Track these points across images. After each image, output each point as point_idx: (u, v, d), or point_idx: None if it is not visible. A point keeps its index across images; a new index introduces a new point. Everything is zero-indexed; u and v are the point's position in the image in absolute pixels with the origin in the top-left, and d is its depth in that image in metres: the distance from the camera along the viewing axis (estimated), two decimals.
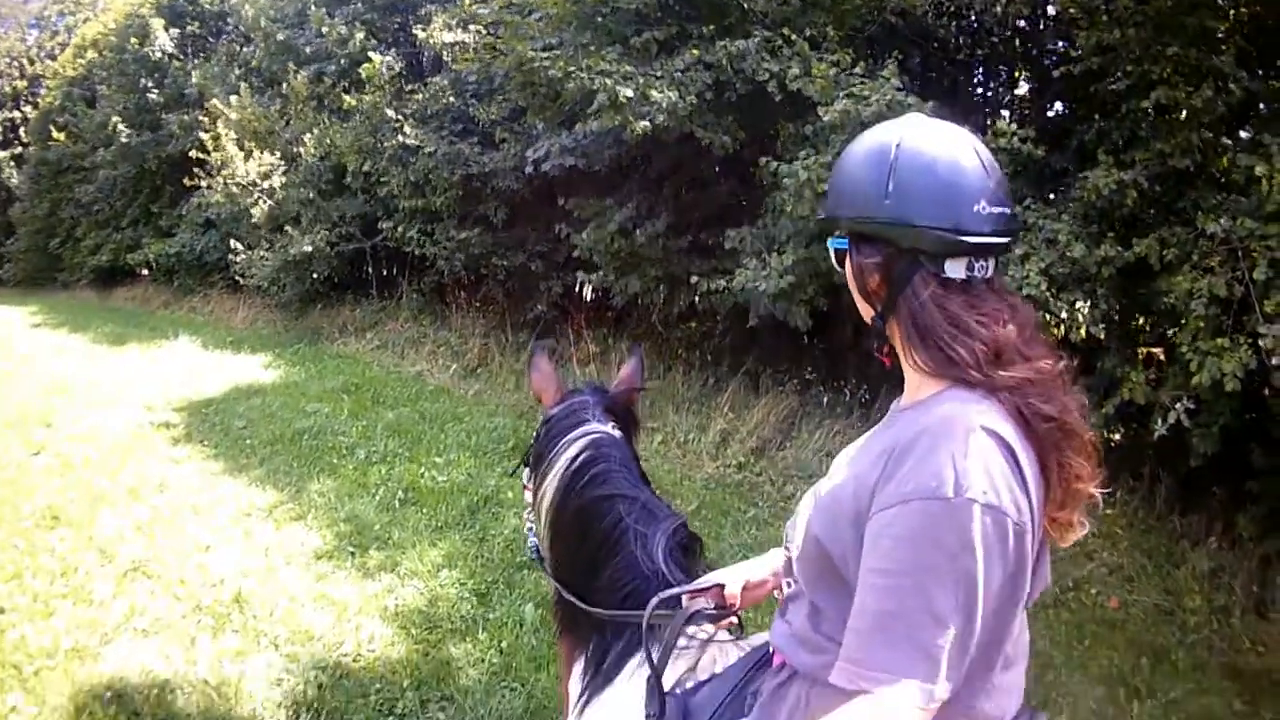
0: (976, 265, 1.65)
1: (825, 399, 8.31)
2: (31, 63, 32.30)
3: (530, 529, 2.87)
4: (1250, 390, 5.13)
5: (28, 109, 29.57)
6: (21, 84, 31.63)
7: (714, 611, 2.20)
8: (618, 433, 2.72)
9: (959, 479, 1.47)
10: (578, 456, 2.63)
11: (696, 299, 8.79)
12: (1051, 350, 1.68)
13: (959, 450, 1.50)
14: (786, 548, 1.92)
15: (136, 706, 4.14)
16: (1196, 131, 5.56)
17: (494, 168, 10.82)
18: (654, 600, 2.19)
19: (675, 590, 2.23)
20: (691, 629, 2.23)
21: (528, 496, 2.86)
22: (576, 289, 11.10)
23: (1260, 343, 4.87)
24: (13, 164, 29.33)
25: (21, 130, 28.78)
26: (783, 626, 1.86)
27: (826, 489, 1.76)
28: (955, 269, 1.65)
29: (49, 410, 9.39)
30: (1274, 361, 4.78)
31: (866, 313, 1.78)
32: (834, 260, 1.82)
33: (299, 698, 4.30)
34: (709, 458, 7.86)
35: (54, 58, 28.97)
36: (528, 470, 2.87)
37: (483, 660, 4.67)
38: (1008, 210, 1.65)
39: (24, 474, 7.28)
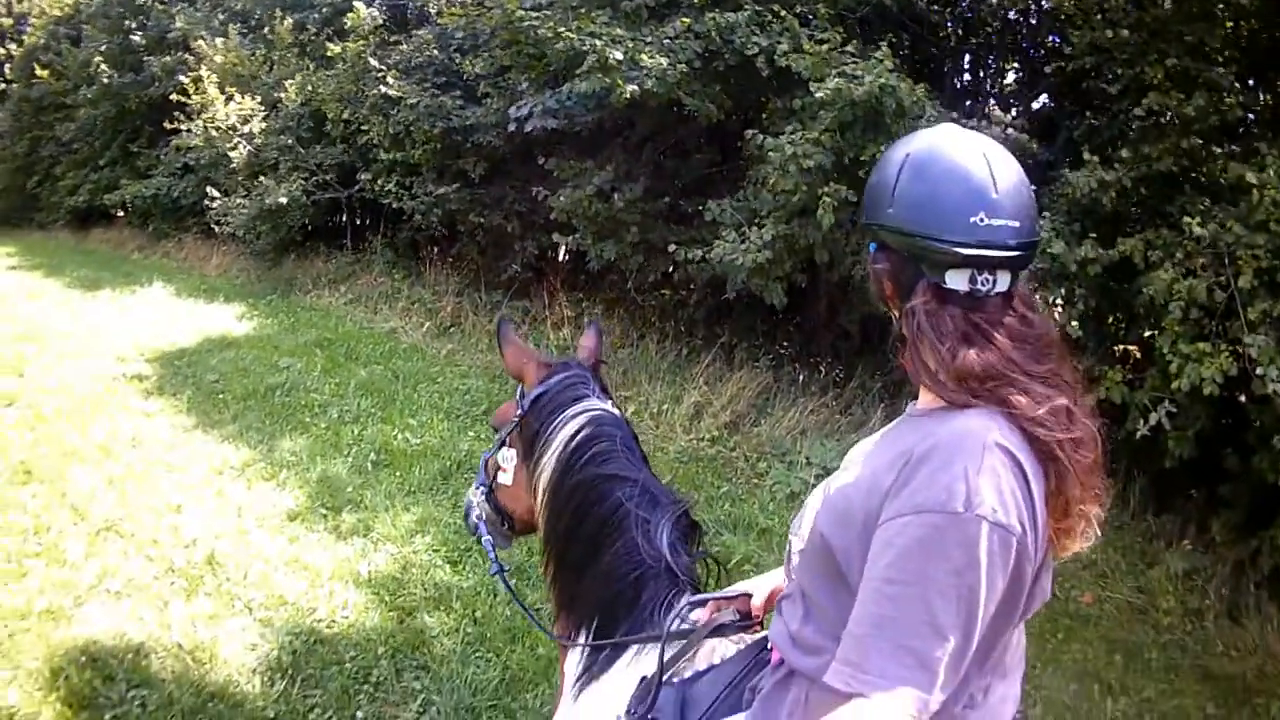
0: (980, 278, 1.64)
1: (800, 376, 8.37)
2: (20, 0, 31.60)
3: (473, 504, 2.91)
4: (1227, 395, 5.20)
5: (12, 46, 28.98)
6: (8, 22, 30.95)
7: (738, 622, 2.21)
8: (617, 411, 2.70)
9: (970, 495, 1.51)
10: (578, 433, 2.60)
11: (673, 268, 8.80)
12: (1068, 370, 1.69)
13: (973, 465, 1.53)
14: (790, 542, 1.95)
15: (112, 670, 4.17)
16: (1186, 138, 5.59)
17: (475, 122, 10.72)
18: (683, 603, 2.24)
19: (706, 596, 2.27)
20: (712, 642, 2.24)
21: (504, 476, 2.84)
22: (552, 251, 11.08)
23: (1243, 350, 4.93)
24: None
25: (6, 67, 28.23)
26: (780, 625, 1.89)
27: (837, 486, 1.79)
28: (957, 280, 1.65)
29: (20, 359, 9.32)
30: (1258, 371, 4.83)
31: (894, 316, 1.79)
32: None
33: (274, 664, 4.35)
34: (682, 430, 7.91)
35: None
36: (504, 448, 2.84)
37: (457, 630, 4.73)
38: (1018, 224, 1.64)
39: None
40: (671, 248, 7.90)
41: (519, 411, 2.76)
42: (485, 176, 11.32)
